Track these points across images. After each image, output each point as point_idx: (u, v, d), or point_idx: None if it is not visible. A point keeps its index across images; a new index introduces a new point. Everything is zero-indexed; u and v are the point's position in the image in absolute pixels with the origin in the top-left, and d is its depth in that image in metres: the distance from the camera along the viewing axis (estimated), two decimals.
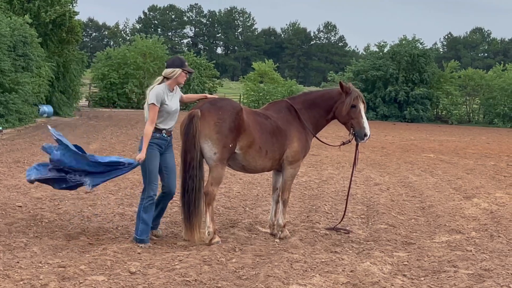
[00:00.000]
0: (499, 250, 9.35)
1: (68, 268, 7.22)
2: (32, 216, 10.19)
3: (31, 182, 9.30)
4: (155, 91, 8.82)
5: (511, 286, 7.35)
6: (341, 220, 10.75)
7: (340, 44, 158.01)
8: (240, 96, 69.37)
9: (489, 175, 19.03)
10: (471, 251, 9.23)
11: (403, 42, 65.56)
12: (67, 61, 41.66)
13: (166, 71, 8.99)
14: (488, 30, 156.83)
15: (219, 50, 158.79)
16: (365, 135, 9.66)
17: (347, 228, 10.57)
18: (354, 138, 9.83)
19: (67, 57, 41.47)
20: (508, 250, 9.41)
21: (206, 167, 9.10)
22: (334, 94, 9.93)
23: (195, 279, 7.09)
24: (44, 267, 7.34)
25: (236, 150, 9.02)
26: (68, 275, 6.98)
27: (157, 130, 8.87)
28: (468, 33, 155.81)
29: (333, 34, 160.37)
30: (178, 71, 8.98)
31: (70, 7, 40.55)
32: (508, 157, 25.97)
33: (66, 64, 41.67)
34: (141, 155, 8.69)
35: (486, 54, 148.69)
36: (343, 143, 10.22)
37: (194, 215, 8.90)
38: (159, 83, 9.00)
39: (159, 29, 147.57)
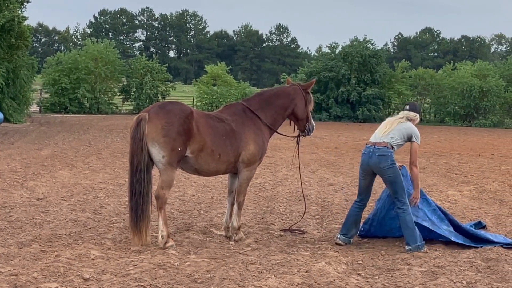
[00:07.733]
0: (451, 247, 9.47)
1: (20, 276, 7.11)
2: None
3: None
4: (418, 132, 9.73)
5: (464, 283, 7.44)
6: (299, 220, 10.78)
7: (292, 46, 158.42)
8: (193, 99, 69.17)
9: (441, 173, 19.28)
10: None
11: (354, 43, 65.89)
12: (16, 67, 40.99)
13: (411, 114, 9.77)
14: (437, 30, 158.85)
15: (171, 54, 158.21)
16: (313, 128, 10.39)
17: (302, 229, 10.62)
18: (306, 133, 10.32)
19: (16, 62, 40.79)
20: (461, 247, 9.54)
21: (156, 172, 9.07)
22: (289, 91, 10.11)
23: (150, 284, 7.05)
24: None
25: (187, 154, 9.00)
26: (20, 283, 6.88)
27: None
28: (418, 33, 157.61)
29: (285, 36, 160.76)
30: (418, 116, 9.86)
31: (19, 12, 39.91)
32: (459, 155, 26.34)
33: (16, 70, 40.99)
34: (417, 195, 9.69)
35: (436, 54, 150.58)
36: (300, 135, 10.50)
37: (141, 219, 8.87)
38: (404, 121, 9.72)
39: (110, 33, 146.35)
